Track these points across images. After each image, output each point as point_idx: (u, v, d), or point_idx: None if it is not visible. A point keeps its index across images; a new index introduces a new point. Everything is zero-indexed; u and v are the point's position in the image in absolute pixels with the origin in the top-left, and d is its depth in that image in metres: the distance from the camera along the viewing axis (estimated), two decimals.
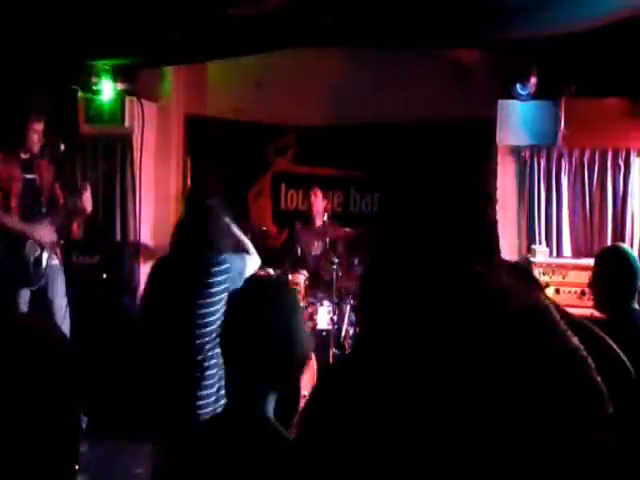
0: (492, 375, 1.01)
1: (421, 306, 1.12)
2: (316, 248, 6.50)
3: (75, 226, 5.23)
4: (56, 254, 5.04)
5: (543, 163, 5.91)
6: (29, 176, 4.90)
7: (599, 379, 1.03)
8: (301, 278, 6.05)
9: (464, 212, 1.25)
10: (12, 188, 4.81)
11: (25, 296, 4.87)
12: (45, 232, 4.90)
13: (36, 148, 4.91)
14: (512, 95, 5.73)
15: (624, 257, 3.23)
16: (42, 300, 4.93)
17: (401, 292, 1.19)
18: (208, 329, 3.19)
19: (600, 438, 0.99)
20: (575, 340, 1.05)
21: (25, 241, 4.81)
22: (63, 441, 1.11)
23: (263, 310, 1.79)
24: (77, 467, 1.11)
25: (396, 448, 1.04)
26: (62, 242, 5.07)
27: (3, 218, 4.77)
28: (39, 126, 4.87)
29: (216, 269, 3.25)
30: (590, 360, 1.04)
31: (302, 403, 5.38)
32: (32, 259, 4.83)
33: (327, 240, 6.31)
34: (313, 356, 5.51)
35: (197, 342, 3.20)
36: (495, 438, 0.99)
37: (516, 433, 0.99)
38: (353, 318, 5.96)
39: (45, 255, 4.90)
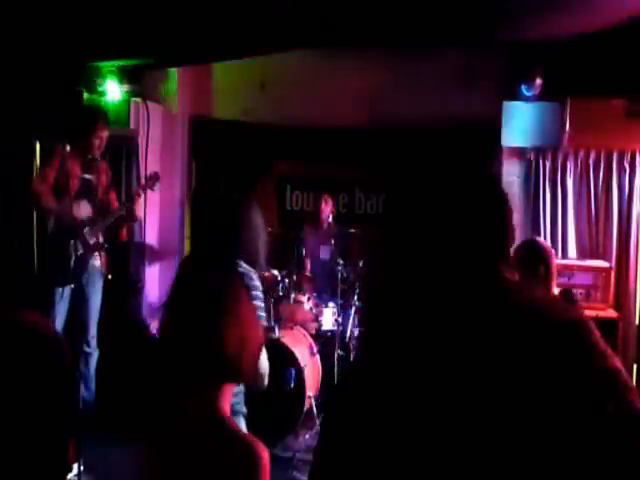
0: (528, 389, 0.99)
1: (449, 313, 1.09)
2: (321, 250, 6.51)
3: (124, 231, 5.39)
4: (100, 255, 5.15)
5: (548, 164, 5.90)
6: (87, 176, 5.07)
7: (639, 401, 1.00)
8: (306, 280, 6.06)
9: (482, 215, 1.23)
10: (69, 185, 4.99)
11: (65, 292, 4.97)
12: (81, 208, 5.04)
13: (98, 152, 5.12)
14: (517, 96, 5.72)
15: (538, 250, 3.66)
16: (79, 298, 5.04)
17: (419, 297, 1.15)
18: None
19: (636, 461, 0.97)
20: (615, 360, 1.02)
21: (71, 240, 4.94)
22: (53, 438, 1.11)
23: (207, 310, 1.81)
24: (74, 465, 1.10)
25: (417, 451, 1.03)
26: (105, 245, 5.18)
27: (42, 199, 4.89)
28: (104, 133, 5.09)
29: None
30: (631, 383, 1.01)
31: (307, 404, 5.39)
32: (74, 257, 4.94)
33: (332, 242, 6.30)
34: (318, 358, 5.52)
35: None
36: (528, 452, 0.97)
37: (549, 448, 0.97)
38: (357, 319, 5.95)
39: (89, 254, 5.03)
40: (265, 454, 1.69)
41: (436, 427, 1.01)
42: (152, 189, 5.39)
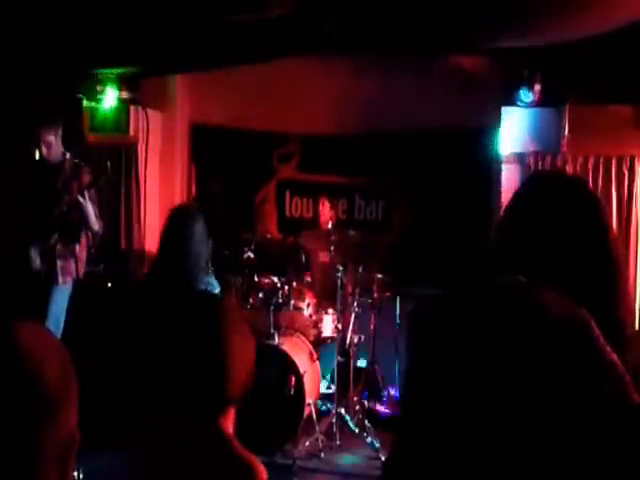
0: (525, 382, 1.01)
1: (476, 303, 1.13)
2: (321, 255, 6.49)
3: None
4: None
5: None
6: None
7: (637, 397, 1.03)
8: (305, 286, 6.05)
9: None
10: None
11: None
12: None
13: (51, 158, 4.85)
14: (516, 102, 5.73)
15: None
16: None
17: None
18: None
19: (633, 454, 0.99)
20: (614, 356, 1.06)
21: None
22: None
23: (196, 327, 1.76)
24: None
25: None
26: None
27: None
28: (49, 137, 4.80)
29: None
30: (628, 377, 1.04)
31: (307, 410, 5.37)
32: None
33: (332, 247, 6.29)
34: (318, 364, 5.51)
35: None
36: (523, 446, 0.99)
37: (543, 443, 0.99)
38: (357, 326, 5.94)
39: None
40: (264, 475, 1.68)
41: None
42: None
